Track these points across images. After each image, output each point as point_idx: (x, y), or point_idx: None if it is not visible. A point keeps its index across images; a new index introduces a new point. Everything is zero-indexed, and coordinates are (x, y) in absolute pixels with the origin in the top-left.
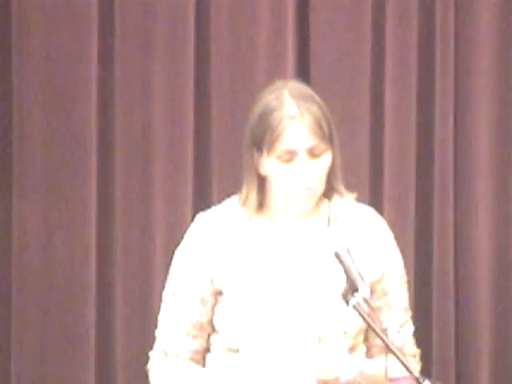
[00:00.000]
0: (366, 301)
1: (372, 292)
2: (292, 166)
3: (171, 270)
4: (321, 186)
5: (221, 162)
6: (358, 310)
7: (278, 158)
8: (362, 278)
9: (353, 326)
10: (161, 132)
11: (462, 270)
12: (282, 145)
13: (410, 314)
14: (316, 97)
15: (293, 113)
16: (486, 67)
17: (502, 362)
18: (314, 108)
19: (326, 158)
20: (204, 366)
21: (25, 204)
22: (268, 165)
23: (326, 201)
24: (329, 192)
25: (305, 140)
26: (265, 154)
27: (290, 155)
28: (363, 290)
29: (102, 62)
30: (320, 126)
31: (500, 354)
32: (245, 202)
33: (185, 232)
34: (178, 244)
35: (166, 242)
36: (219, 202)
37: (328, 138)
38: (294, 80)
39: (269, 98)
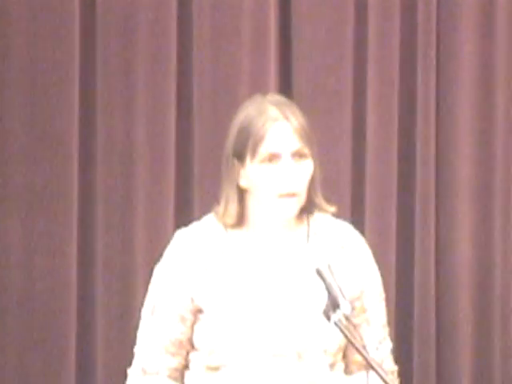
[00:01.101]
0: (347, 317)
1: (351, 309)
2: (276, 169)
3: (150, 287)
4: (303, 193)
5: (203, 177)
6: (339, 327)
7: (262, 161)
8: (343, 295)
9: (333, 343)
10: (142, 148)
11: (443, 286)
12: (266, 148)
13: (387, 330)
14: (297, 107)
15: (276, 116)
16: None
17: (484, 379)
18: (297, 113)
19: (309, 164)
20: (183, 383)
21: (6, 220)
22: (251, 171)
23: (305, 216)
24: (308, 207)
25: (289, 142)
26: (247, 161)
27: (274, 159)
28: (345, 307)
29: (84, 70)
30: (304, 130)
31: (481, 370)
32: (224, 215)
33: (166, 248)
34: (158, 260)
35: (147, 258)
36: (201, 217)
37: (310, 146)
38: (273, 94)
39: (249, 108)
